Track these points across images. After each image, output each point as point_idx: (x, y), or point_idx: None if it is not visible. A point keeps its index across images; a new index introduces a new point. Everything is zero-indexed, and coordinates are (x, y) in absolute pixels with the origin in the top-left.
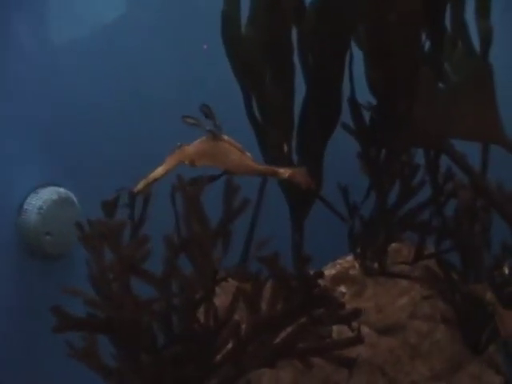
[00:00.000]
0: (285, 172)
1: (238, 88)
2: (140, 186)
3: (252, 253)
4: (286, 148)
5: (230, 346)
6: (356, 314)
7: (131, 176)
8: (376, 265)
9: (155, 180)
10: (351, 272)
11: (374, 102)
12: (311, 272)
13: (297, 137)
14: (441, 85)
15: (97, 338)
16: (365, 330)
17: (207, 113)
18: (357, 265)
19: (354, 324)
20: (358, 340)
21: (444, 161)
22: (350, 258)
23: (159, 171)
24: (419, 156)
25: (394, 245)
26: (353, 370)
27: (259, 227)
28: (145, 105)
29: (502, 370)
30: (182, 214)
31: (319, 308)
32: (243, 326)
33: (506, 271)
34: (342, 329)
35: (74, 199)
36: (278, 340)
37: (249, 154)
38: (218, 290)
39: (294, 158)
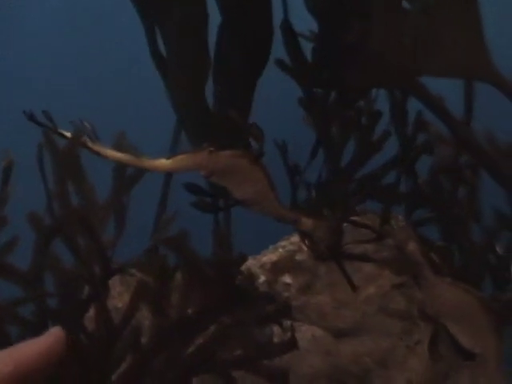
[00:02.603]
0: (307, 223)
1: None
2: (126, 158)
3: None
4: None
5: (127, 361)
6: (283, 309)
7: None
8: (329, 246)
9: (148, 170)
10: (298, 257)
11: (315, 28)
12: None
13: (213, 79)
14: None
15: None
16: (318, 332)
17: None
18: (304, 247)
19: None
20: (291, 345)
21: (414, 105)
22: (294, 238)
23: (163, 163)
24: (381, 100)
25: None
26: None
27: (172, 198)
28: None
29: None
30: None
31: (244, 303)
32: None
33: (500, 250)
34: None
35: None
36: (191, 349)
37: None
38: (121, 287)
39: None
